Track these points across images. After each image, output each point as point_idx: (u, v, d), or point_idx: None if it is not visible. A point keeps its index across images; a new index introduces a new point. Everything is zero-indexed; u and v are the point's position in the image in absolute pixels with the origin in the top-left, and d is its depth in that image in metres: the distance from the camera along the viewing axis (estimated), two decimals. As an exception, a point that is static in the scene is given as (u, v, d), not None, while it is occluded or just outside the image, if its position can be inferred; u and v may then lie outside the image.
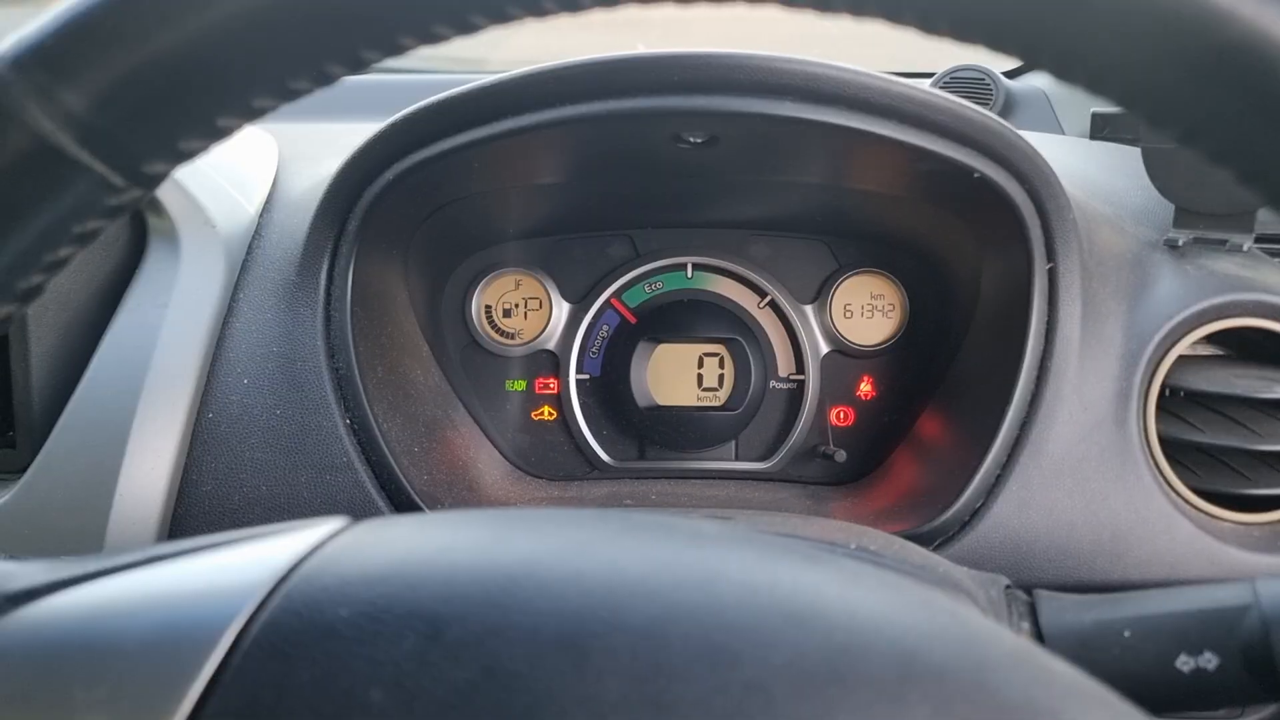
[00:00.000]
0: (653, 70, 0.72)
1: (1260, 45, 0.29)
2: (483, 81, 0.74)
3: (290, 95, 0.37)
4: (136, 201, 0.40)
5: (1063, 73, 0.32)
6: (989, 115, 0.77)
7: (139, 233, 0.84)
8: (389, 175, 0.78)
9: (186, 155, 0.39)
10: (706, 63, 0.71)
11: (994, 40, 0.32)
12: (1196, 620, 0.58)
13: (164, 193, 0.82)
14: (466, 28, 0.36)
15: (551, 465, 1.04)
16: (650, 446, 1.05)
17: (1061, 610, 0.62)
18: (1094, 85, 0.32)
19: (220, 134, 0.38)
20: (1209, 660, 0.57)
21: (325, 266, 0.82)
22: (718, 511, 0.75)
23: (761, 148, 0.82)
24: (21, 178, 0.36)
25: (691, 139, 0.78)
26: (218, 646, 0.34)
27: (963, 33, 0.32)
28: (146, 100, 0.35)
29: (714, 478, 1.04)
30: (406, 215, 0.87)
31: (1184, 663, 0.58)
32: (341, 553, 0.39)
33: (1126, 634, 0.59)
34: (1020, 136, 0.78)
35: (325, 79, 0.37)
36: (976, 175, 0.77)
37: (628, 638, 0.34)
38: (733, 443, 1.05)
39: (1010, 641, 0.39)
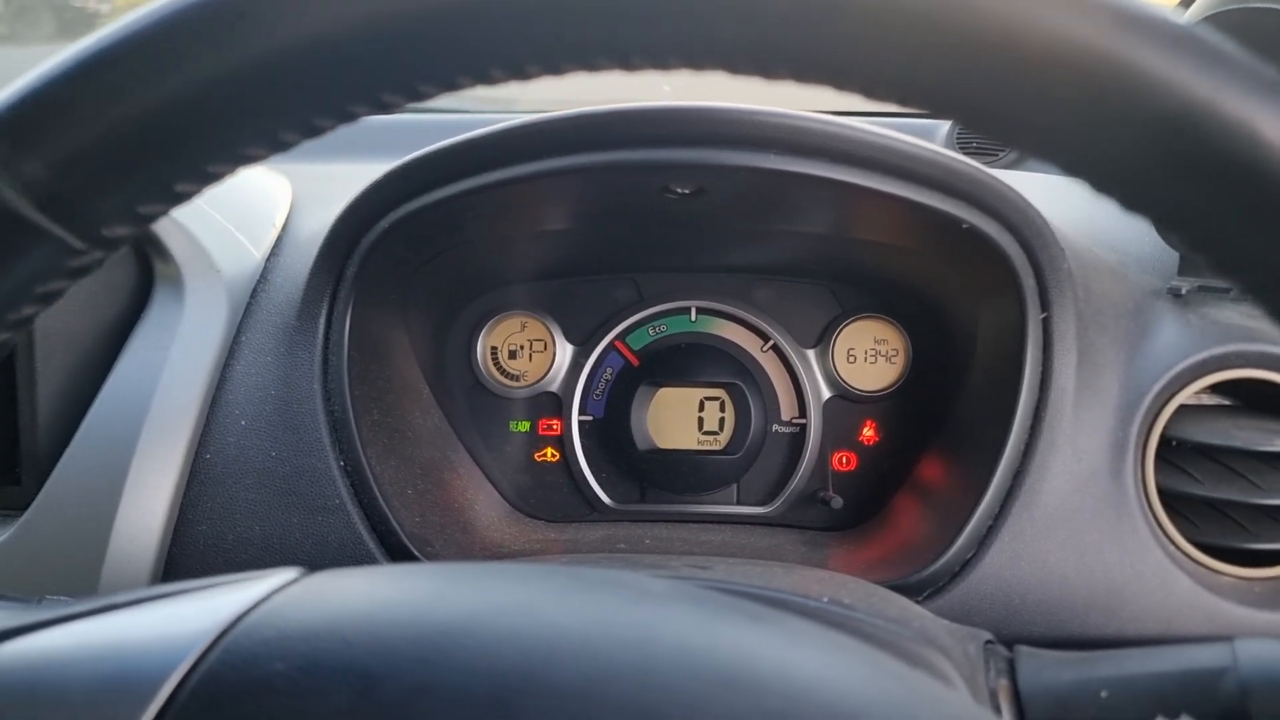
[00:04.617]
0: (639, 123, 0.73)
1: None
2: (474, 134, 0.76)
3: (246, 160, 0.38)
4: (98, 262, 0.41)
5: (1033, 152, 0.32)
6: (977, 167, 0.77)
7: (145, 277, 0.86)
8: (384, 224, 0.80)
9: (146, 218, 0.40)
10: (692, 116, 0.72)
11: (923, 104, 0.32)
12: (1175, 681, 0.58)
13: (170, 238, 0.84)
14: (414, 97, 0.37)
15: (552, 507, 1.05)
16: (651, 489, 1.05)
17: (1040, 668, 0.61)
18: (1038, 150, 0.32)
19: (179, 198, 0.39)
20: (1186, 723, 0.56)
21: (324, 312, 0.83)
22: (700, 560, 0.75)
23: (751, 198, 0.82)
24: None
25: (679, 190, 0.79)
26: (155, 699, 0.35)
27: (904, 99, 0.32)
28: (104, 168, 0.36)
29: (714, 521, 1.03)
30: (404, 261, 0.88)
31: (1161, 725, 0.57)
32: (286, 606, 0.40)
33: (1104, 694, 0.59)
34: (1010, 188, 0.78)
35: (280, 145, 0.38)
36: (965, 226, 0.77)
37: (557, 699, 0.34)
38: (734, 486, 1.05)
39: (958, 710, 0.39)
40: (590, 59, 0.34)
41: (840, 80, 0.32)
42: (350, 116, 0.37)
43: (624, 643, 0.37)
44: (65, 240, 0.38)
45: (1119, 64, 0.29)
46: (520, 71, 0.35)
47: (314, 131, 0.38)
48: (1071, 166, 0.32)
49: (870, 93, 0.32)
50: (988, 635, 0.65)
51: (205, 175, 0.38)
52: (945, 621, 0.65)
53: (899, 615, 0.63)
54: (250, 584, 0.41)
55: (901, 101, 0.32)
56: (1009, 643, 0.65)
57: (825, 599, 0.61)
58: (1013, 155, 1.54)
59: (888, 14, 0.30)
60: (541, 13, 0.33)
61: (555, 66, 0.34)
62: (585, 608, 0.40)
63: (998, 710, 0.60)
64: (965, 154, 1.05)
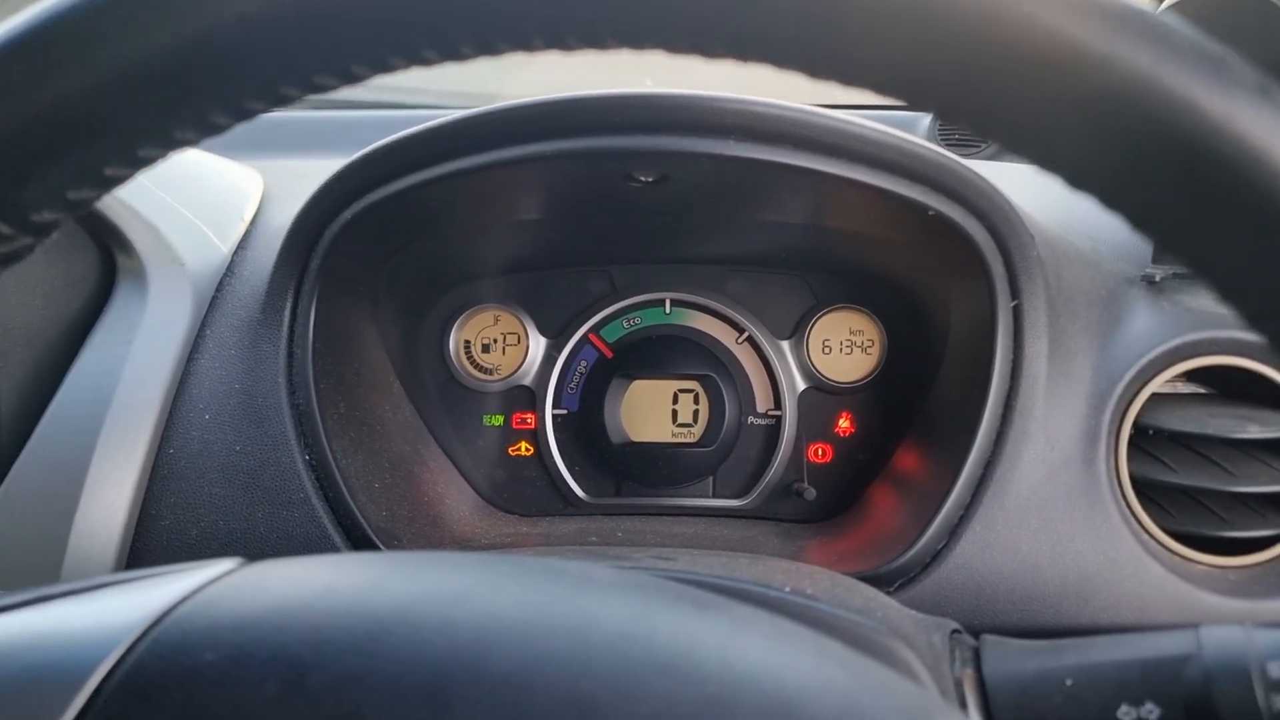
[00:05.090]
0: (600, 110, 0.72)
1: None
2: (435, 122, 0.75)
3: (177, 144, 0.38)
4: (29, 248, 0.40)
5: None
6: (942, 152, 0.76)
7: (108, 271, 0.85)
8: (348, 214, 0.79)
9: (77, 204, 0.39)
10: (653, 103, 0.71)
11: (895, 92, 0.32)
12: (1139, 669, 0.57)
13: (133, 232, 0.83)
14: (349, 79, 0.36)
15: (526, 501, 1.04)
16: (626, 483, 1.04)
17: (1005, 657, 0.61)
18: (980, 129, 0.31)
19: (110, 182, 0.39)
20: (1150, 711, 0.56)
21: (289, 304, 0.83)
22: (665, 552, 0.74)
23: (716, 186, 0.81)
24: None
25: (642, 178, 0.78)
26: (83, 690, 0.34)
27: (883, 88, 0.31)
28: (31, 154, 0.36)
29: (689, 515, 1.03)
30: (371, 253, 0.87)
31: (1126, 713, 0.56)
32: (220, 595, 0.39)
33: (1069, 682, 0.58)
34: (977, 174, 0.78)
35: (212, 128, 0.37)
36: (931, 213, 0.77)
37: (490, 686, 0.34)
38: (710, 479, 1.04)
39: (905, 697, 0.39)
40: (524, 39, 0.33)
41: (770, 56, 0.32)
42: (283, 99, 0.37)
43: (561, 630, 0.36)
44: None
45: (1076, 53, 0.28)
46: (454, 52, 0.34)
47: (245, 114, 0.37)
48: (1042, 162, 0.31)
49: (813, 72, 0.32)
50: (954, 625, 0.64)
51: (136, 160, 0.38)
52: (911, 611, 0.65)
53: (862, 605, 0.62)
54: (188, 574, 0.41)
55: (869, 88, 0.32)
56: (982, 632, 0.65)
57: (787, 589, 0.60)
58: (993, 148, 1.54)
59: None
60: None
61: (489, 45, 0.34)
62: (523, 595, 0.39)
63: (963, 700, 0.59)
64: (946, 146, 1.05)
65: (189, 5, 0.33)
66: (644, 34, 0.32)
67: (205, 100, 0.36)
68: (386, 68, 0.35)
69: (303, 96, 0.37)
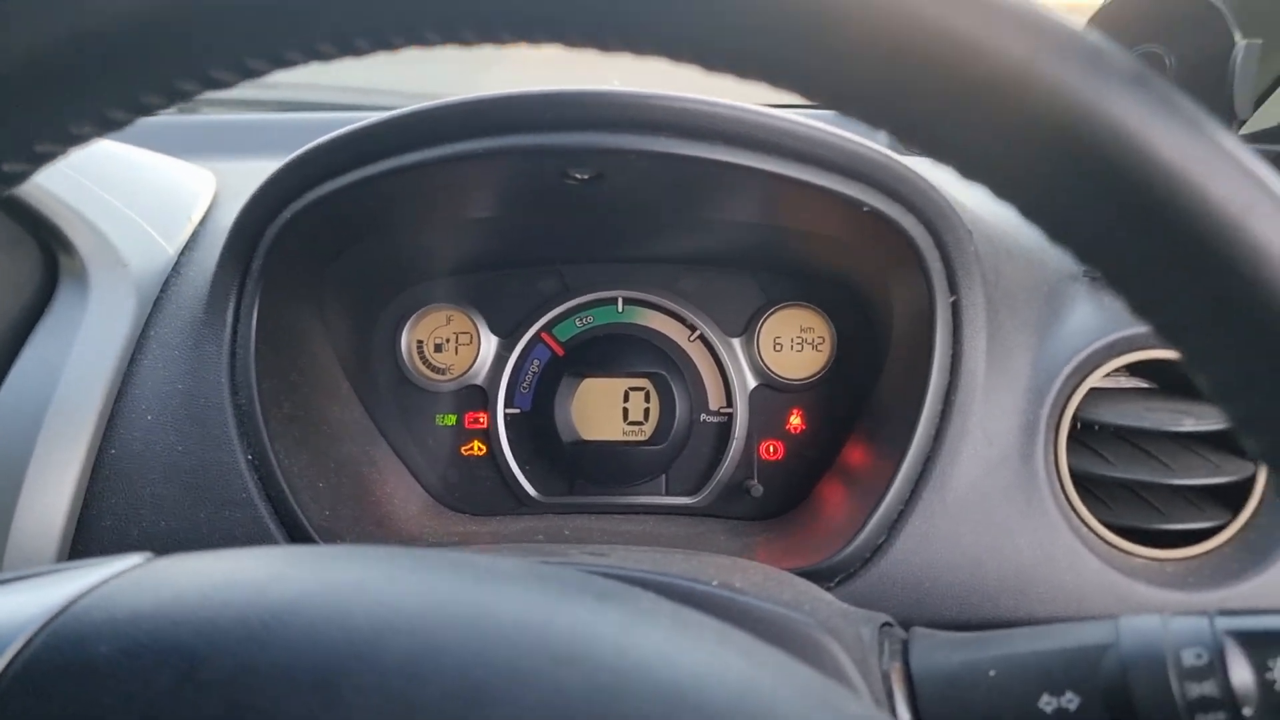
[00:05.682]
0: (532, 107, 0.73)
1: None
2: (370, 120, 0.75)
3: (142, 110, 0.37)
4: None
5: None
6: (877, 149, 0.77)
7: (50, 271, 0.85)
8: (287, 214, 0.79)
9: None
10: (586, 100, 0.72)
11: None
12: (1060, 659, 0.58)
13: (75, 232, 0.83)
14: (314, 57, 0.36)
15: (480, 501, 1.04)
16: (579, 481, 1.05)
17: (933, 649, 0.61)
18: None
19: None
20: (1070, 701, 0.56)
21: (231, 304, 0.83)
22: (598, 548, 0.74)
23: (654, 184, 0.82)
24: None
25: (577, 175, 0.78)
26: None
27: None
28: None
29: (641, 513, 1.03)
30: (314, 252, 0.87)
31: (1047, 703, 0.57)
32: (120, 589, 0.39)
33: (992, 673, 0.59)
34: (913, 171, 0.78)
35: (177, 95, 0.37)
36: (866, 209, 0.77)
37: (381, 676, 0.34)
38: (663, 478, 1.05)
39: (804, 682, 0.39)
40: (420, 35, 0.33)
41: (677, 52, 0.32)
42: (180, 95, 0.37)
43: (455, 620, 0.37)
44: None
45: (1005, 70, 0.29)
46: (350, 47, 0.34)
47: (144, 110, 0.37)
48: (970, 175, 0.32)
49: (741, 72, 0.32)
50: (885, 618, 0.65)
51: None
52: (842, 605, 0.65)
53: (792, 599, 0.62)
54: (95, 568, 0.41)
55: (794, 91, 0.32)
56: (921, 626, 0.65)
57: (714, 583, 0.60)
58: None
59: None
60: None
61: (385, 42, 0.34)
62: (420, 587, 0.39)
63: (890, 692, 0.60)
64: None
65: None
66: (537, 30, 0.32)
67: (171, 68, 0.36)
68: (283, 62, 0.36)
69: (198, 93, 0.37)
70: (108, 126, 0.38)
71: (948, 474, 0.80)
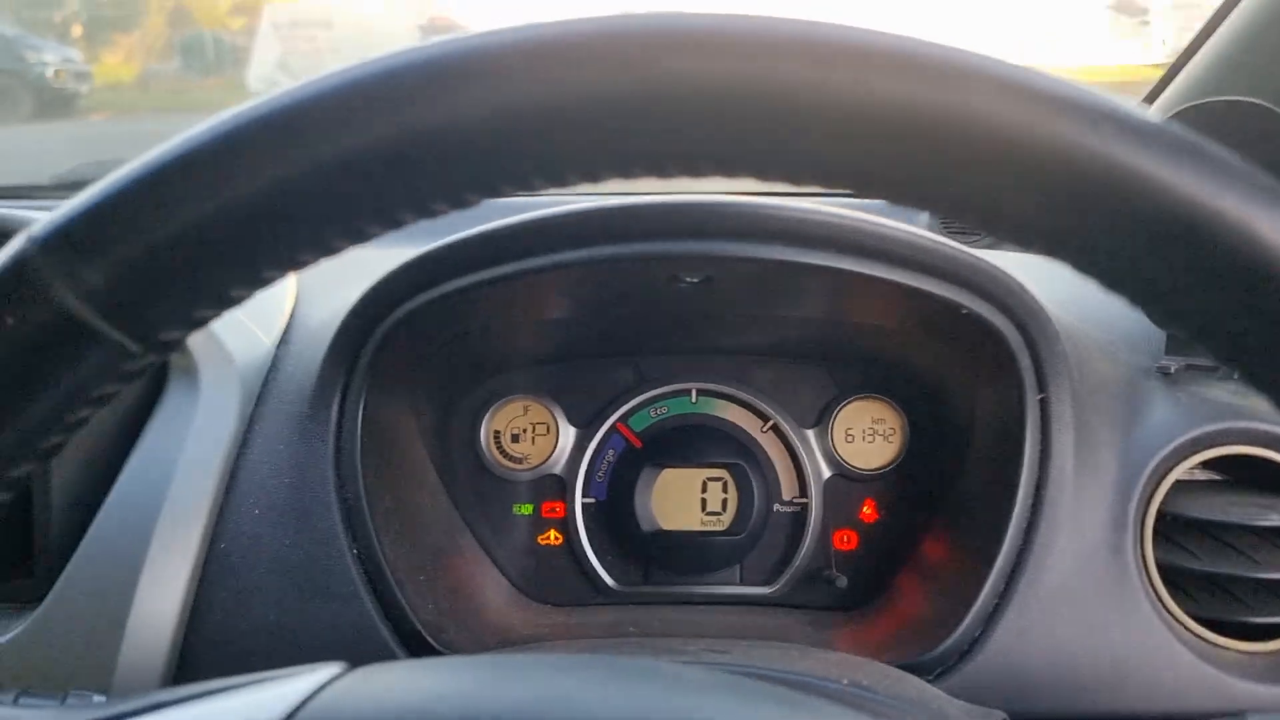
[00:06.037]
0: (649, 216, 0.76)
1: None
2: (484, 228, 0.78)
3: (297, 264, 0.40)
4: (151, 365, 0.42)
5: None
6: (975, 255, 0.80)
7: (160, 368, 0.87)
8: (398, 314, 0.82)
9: (200, 322, 0.41)
10: (701, 211, 0.75)
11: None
12: (1190, 759, 0.59)
13: (186, 329, 0.85)
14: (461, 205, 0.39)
15: (557, 590, 1.05)
16: (655, 570, 1.06)
17: (1056, 747, 0.63)
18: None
19: (232, 301, 0.41)
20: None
21: (337, 401, 0.85)
22: (717, 643, 0.76)
23: (757, 286, 0.85)
24: (47, 349, 0.39)
25: (688, 279, 0.81)
26: None
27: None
28: (162, 276, 0.38)
29: (719, 603, 1.04)
30: (416, 351, 0.90)
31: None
32: (336, 702, 0.41)
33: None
34: (1004, 272, 0.81)
35: (330, 250, 0.40)
36: (964, 311, 0.80)
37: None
38: (738, 567, 1.06)
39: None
40: (627, 168, 0.36)
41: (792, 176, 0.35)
42: (397, 223, 0.39)
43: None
44: (124, 345, 0.40)
45: (1094, 162, 0.31)
46: (560, 179, 0.37)
47: (361, 236, 0.40)
48: (1052, 251, 0.34)
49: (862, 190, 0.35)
50: (1002, 715, 0.66)
51: (259, 279, 0.40)
52: (961, 702, 0.66)
53: (916, 697, 0.64)
54: (293, 680, 0.42)
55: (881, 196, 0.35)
56: None
57: (845, 681, 0.62)
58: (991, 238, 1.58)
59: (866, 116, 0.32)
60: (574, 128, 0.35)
61: (593, 175, 0.37)
62: (624, 698, 0.41)
63: None
64: (947, 235, 1.09)
65: (324, 136, 0.36)
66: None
67: (326, 224, 0.38)
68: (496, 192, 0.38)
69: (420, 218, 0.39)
70: (327, 253, 0.40)
71: (1041, 568, 0.81)
